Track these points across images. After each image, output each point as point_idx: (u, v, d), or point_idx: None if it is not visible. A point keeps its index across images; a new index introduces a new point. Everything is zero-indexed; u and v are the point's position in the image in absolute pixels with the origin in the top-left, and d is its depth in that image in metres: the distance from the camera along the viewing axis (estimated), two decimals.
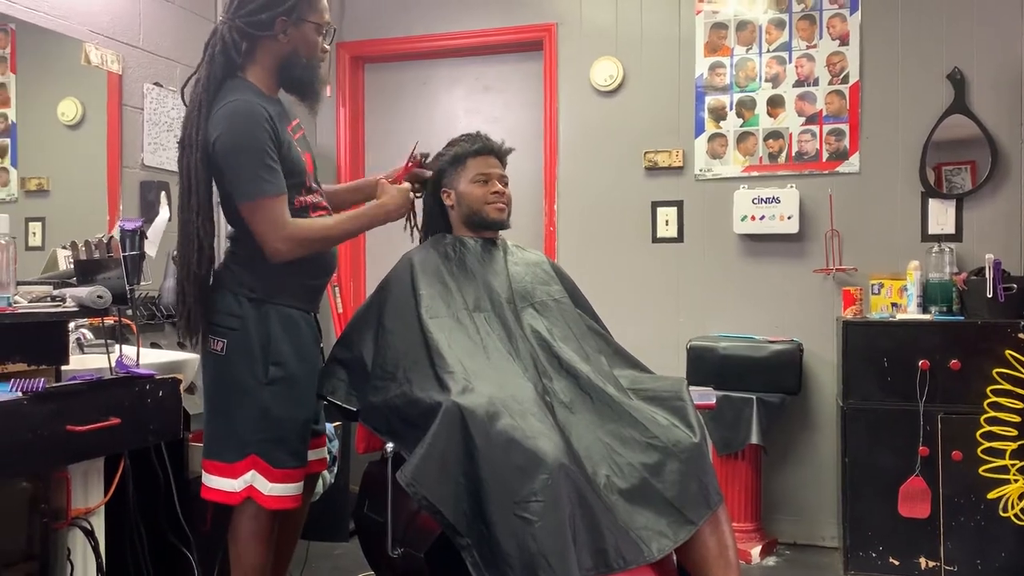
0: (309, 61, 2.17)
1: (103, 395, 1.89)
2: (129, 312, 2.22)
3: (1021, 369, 3.03)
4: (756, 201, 3.65)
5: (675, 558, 2.00)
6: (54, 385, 1.86)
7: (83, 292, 2.00)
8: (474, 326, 2.18)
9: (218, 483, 2.10)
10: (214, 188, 2.11)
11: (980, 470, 3.08)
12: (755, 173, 3.72)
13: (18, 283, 2.04)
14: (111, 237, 2.21)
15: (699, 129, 3.80)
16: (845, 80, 3.62)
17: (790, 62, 3.69)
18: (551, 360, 2.17)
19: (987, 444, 3.07)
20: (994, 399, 3.06)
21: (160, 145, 3.30)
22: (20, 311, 1.90)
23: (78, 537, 2.00)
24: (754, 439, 3.35)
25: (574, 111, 3.98)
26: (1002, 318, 3.11)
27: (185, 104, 2.11)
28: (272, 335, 2.10)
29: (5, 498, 1.88)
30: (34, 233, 2.83)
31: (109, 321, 2.25)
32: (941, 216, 3.52)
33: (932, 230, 3.53)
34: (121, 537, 2.25)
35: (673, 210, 3.84)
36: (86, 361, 2.34)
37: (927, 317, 3.27)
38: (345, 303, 4.12)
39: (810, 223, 3.65)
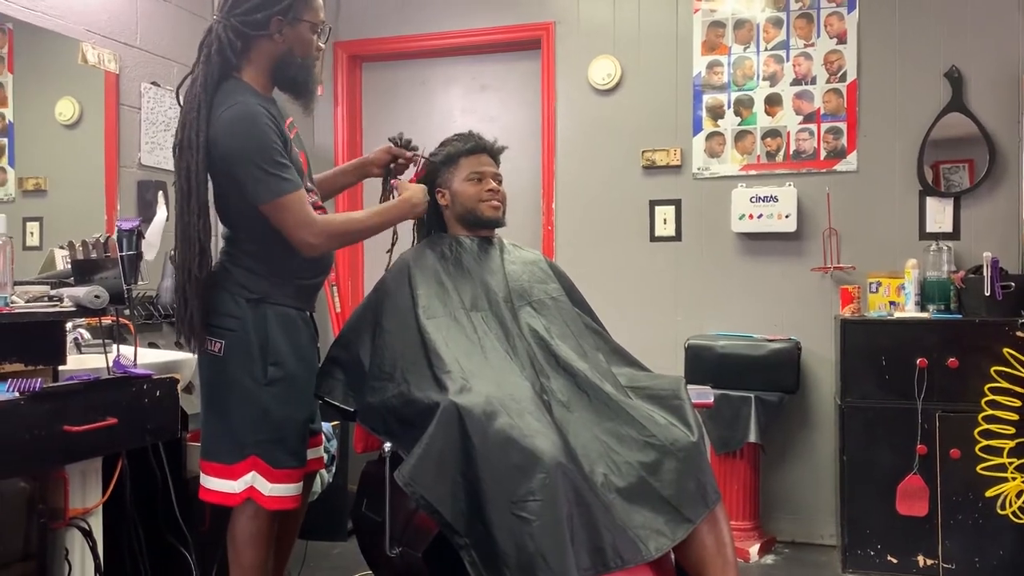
0: (304, 60, 2.17)
1: (100, 395, 1.89)
2: (127, 312, 2.22)
3: (1019, 367, 3.03)
4: (754, 200, 3.65)
5: (673, 557, 2.00)
6: (51, 385, 1.86)
7: (80, 292, 2.00)
8: (471, 325, 2.18)
9: (217, 484, 2.10)
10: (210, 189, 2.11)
11: (978, 468, 3.08)
12: (753, 172, 3.72)
13: (15, 283, 2.04)
14: (108, 237, 2.21)
15: (697, 128, 3.80)
16: (843, 79, 3.62)
17: (788, 60, 3.69)
18: (548, 358, 2.17)
19: (985, 442, 3.07)
20: (992, 397, 3.06)
21: (157, 144, 3.29)
22: (17, 311, 1.90)
23: (76, 537, 2.00)
24: (752, 438, 3.35)
25: (572, 110, 3.98)
26: (1000, 316, 3.11)
27: (180, 104, 2.10)
28: (270, 335, 2.10)
29: (3, 498, 1.88)
30: (31, 233, 2.83)
31: (107, 321, 2.25)
32: (939, 214, 3.52)
33: (930, 228, 3.53)
34: (119, 537, 2.26)
35: (671, 209, 3.84)
36: (84, 361, 2.34)
37: (925, 315, 3.27)
38: (343, 302, 4.11)
39: (808, 222, 3.65)
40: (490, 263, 2.34)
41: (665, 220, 3.85)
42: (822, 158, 3.65)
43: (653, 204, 3.86)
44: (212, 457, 2.11)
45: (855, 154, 3.61)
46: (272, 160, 2.01)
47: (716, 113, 3.77)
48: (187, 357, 2.56)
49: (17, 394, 1.72)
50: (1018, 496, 3.04)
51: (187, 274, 2.06)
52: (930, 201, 3.53)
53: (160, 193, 3.26)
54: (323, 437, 2.46)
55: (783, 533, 3.67)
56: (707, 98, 3.78)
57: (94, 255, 2.21)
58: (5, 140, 2.77)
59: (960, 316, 3.24)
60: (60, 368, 2.06)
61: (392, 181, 2.41)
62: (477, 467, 1.82)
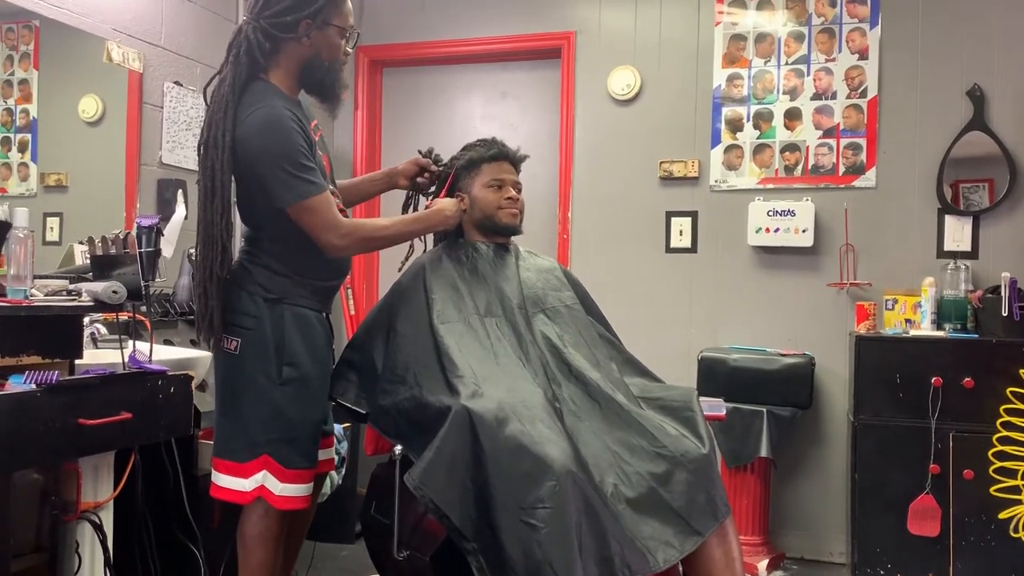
0: (331, 64, 2.18)
1: (115, 389, 1.90)
2: (143, 308, 2.23)
3: None
4: (771, 213, 3.64)
5: (681, 569, 1.99)
6: (67, 378, 1.87)
7: (99, 287, 2.02)
8: (485, 331, 2.18)
9: (228, 482, 2.10)
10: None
11: (991, 490, 3.05)
12: (771, 185, 3.71)
13: (35, 276, 2.06)
14: (128, 233, 2.22)
15: (715, 140, 3.79)
16: (863, 94, 3.61)
17: (808, 75, 3.68)
18: (561, 366, 2.16)
19: (999, 464, 3.05)
20: (1007, 418, 3.04)
21: (178, 143, 3.32)
22: (36, 304, 1.92)
23: (87, 530, 2.01)
24: (764, 452, 3.34)
25: (590, 119, 3.98)
26: (1017, 337, 3.09)
27: (207, 103, 2.12)
28: (287, 335, 2.11)
29: (16, 490, 1.89)
30: (52, 228, 2.85)
31: (123, 317, 2.26)
32: (957, 233, 3.50)
33: (948, 247, 3.51)
34: (129, 532, 2.27)
35: (687, 220, 3.83)
36: (99, 356, 2.35)
37: (941, 334, 3.25)
38: (358, 305, 4.13)
39: (825, 237, 3.64)
40: (505, 270, 2.34)
41: (681, 232, 3.84)
42: (841, 173, 3.64)
43: (669, 215, 3.86)
44: (224, 455, 2.12)
45: (874, 170, 3.60)
46: (298, 163, 2.02)
47: (735, 126, 3.76)
48: (201, 355, 2.57)
49: (34, 386, 1.74)
50: None
51: (208, 272, 2.07)
52: (949, 219, 3.51)
53: (179, 192, 3.29)
54: (334, 439, 2.47)
55: (792, 549, 3.65)
56: (726, 110, 3.78)
57: (113, 251, 2.22)
58: (29, 136, 2.80)
59: (977, 336, 3.22)
60: (76, 362, 2.07)
61: (430, 201, 2.42)
62: (487, 472, 1.82)
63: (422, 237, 2.45)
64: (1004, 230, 3.45)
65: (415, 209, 2.50)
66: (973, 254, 3.48)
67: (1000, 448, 3.04)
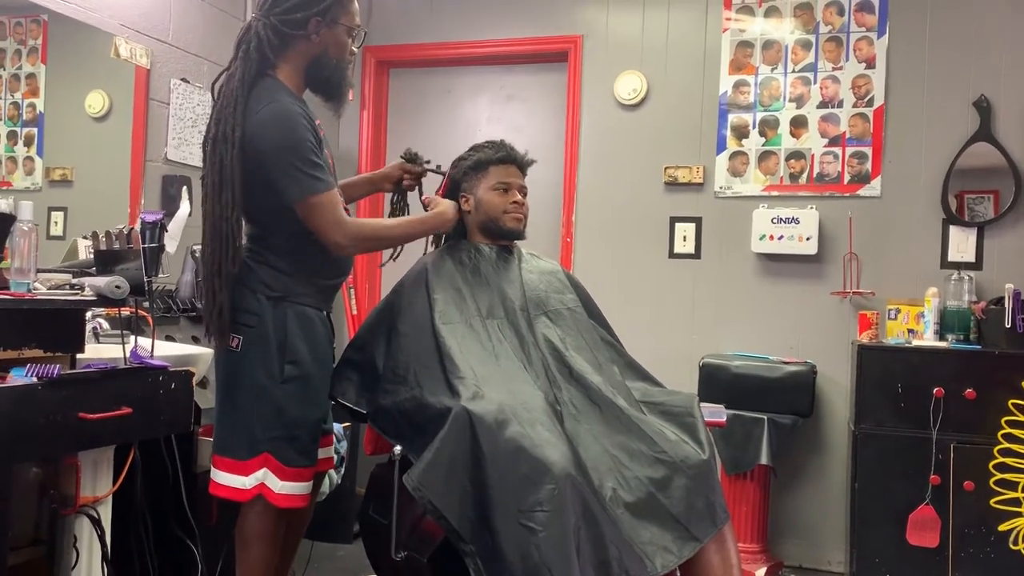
0: (338, 63, 2.19)
1: (116, 384, 1.90)
2: (146, 304, 2.23)
3: None
4: (775, 221, 3.64)
5: (679, 575, 1.99)
6: (68, 372, 1.88)
7: (101, 282, 2.02)
8: (486, 333, 2.18)
9: (228, 479, 2.10)
10: None
11: (992, 502, 3.04)
12: (775, 193, 3.71)
13: (38, 270, 2.06)
14: (131, 229, 2.23)
15: (721, 146, 3.79)
16: (870, 103, 3.61)
17: (815, 83, 3.68)
18: (562, 369, 2.16)
19: (1000, 475, 3.04)
20: (1008, 430, 3.03)
21: (184, 140, 3.33)
22: (39, 297, 1.92)
23: (85, 525, 2.01)
24: (764, 459, 3.33)
25: (596, 123, 3.98)
26: (1020, 349, 3.08)
27: (215, 99, 2.12)
28: (289, 333, 2.10)
29: (16, 483, 1.89)
30: (56, 223, 2.86)
31: (126, 312, 2.26)
32: (961, 244, 3.50)
33: (952, 257, 3.50)
34: (127, 527, 2.27)
35: (691, 226, 3.83)
36: (101, 351, 2.36)
37: (943, 344, 3.24)
38: (360, 305, 4.13)
39: (829, 245, 3.64)
40: (508, 272, 2.34)
41: (685, 237, 3.84)
42: (846, 182, 3.63)
43: (674, 221, 3.86)
44: (224, 452, 2.11)
45: (879, 179, 3.59)
46: (308, 159, 2.03)
47: (741, 132, 3.76)
48: (203, 351, 2.57)
49: (35, 379, 1.74)
50: None
51: (217, 268, 2.05)
52: (953, 230, 3.50)
53: (184, 188, 3.29)
54: (334, 438, 2.46)
55: (790, 557, 3.64)
56: (732, 117, 3.78)
57: (117, 246, 2.22)
58: (35, 130, 2.80)
59: (979, 347, 3.21)
60: (78, 356, 2.08)
61: (424, 197, 2.43)
62: (486, 475, 1.81)
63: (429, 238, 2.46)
64: (1008, 241, 3.44)
65: (404, 212, 2.52)
66: (977, 265, 3.47)
67: (1001, 460, 3.04)
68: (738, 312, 3.76)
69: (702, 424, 2.09)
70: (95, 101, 3.04)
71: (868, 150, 3.61)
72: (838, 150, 3.65)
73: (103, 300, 2.02)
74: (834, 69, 3.66)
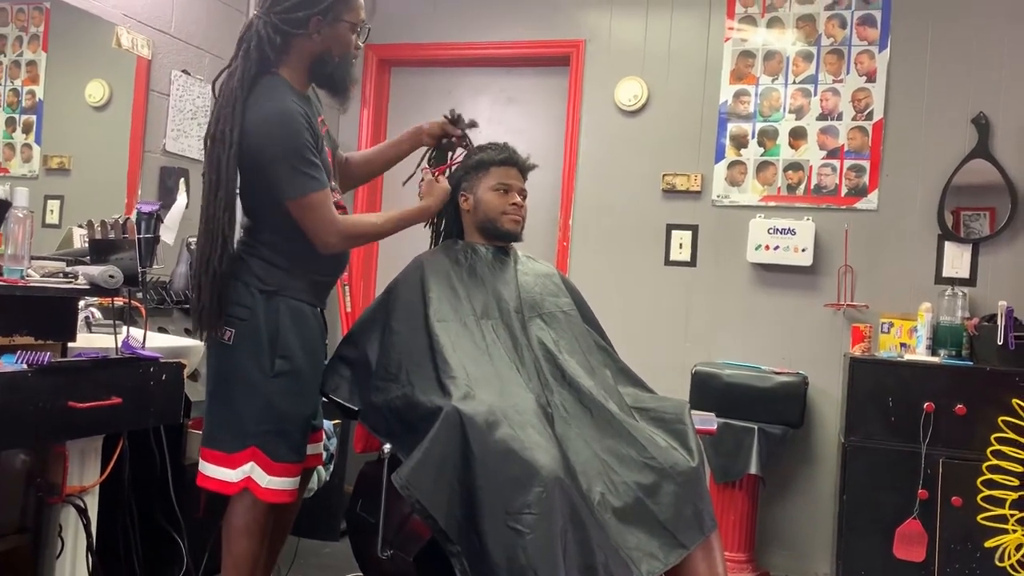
0: (341, 60, 2.19)
1: (107, 374, 1.90)
2: (139, 294, 2.23)
3: None
4: (772, 231, 3.65)
5: None
6: (59, 360, 1.87)
7: (95, 271, 2.01)
8: (480, 333, 2.18)
9: (216, 472, 2.09)
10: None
11: (979, 517, 3.05)
12: (772, 203, 3.72)
13: (32, 258, 2.05)
14: (127, 219, 2.22)
15: (719, 155, 3.80)
16: (869, 117, 3.62)
17: (815, 95, 3.69)
18: (555, 372, 2.16)
19: (988, 492, 3.04)
20: (997, 447, 3.04)
21: (183, 132, 3.32)
22: (32, 284, 1.92)
23: (71, 514, 2.01)
24: (753, 469, 3.33)
25: (596, 128, 3.99)
26: (1011, 366, 3.08)
27: (215, 96, 2.12)
28: (281, 328, 2.10)
29: (2, 470, 1.89)
30: (52, 211, 2.85)
31: (119, 302, 2.26)
32: (956, 260, 3.51)
33: (946, 273, 3.51)
34: (113, 518, 2.26)
35: (688, 234, 3.83)
36: (93, 340, 2.35)
37: (935, 360, 3.25)
38: (354, 302, 4.13)
39: (824, 257, 3.64)
40: (504, 273, 2.34)
41: (681, 245, 3.84)
42: (843, 195, 3.64)
43: (670, 228, 3.86)
44: (213, 444, 2.11)
45: (876, 193, 3.60)
46: (304, 158, 2.03)
47: (740, 142, 3.77)
48: (195, 344, 2.57)
49: (25, 366, 1.74)
50: (1017, 549, 3.00)
51: (206, 265, 2.06)
52: (948, 246, 3.51)
53: (182, 180, 3.29)
54: (324, 434, 2.46)
55: (777, 568, 3.64)
56: (732, 126, 3.78)
57: (112, 236, 2.22)
58: (34, 117, 2.80)
59: (971, 363, 3.21)
60: (69, 344, 2.07)
61: (422, 169, 2.42)
62: (475, 476, 1.81)
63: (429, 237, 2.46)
64: (1003, 259, 3.45)
65: (432, 163, 2.50)
66: (971, 281, 3.48)
67: (989, 476, 3.04)
68: (732, 321, 3.77)
69: (692, 431, 2.09)
70: (95, 90, 3.03)
71: (866, 163, 3.62)
72: (836, 162, 3.65)
73: (96, 289, 2.02)
74: (834, 81, 3.67)
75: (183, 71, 3.31)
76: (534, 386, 2.09)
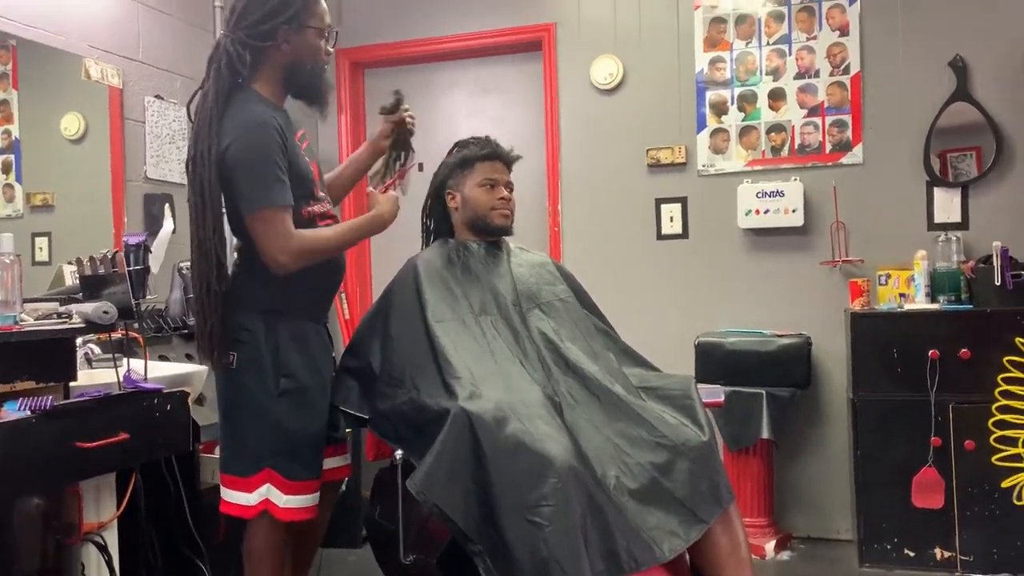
0: (314, 67, 2.18)
1: (111, 411, 1.89)
2: (136, 326, 2.22)
3: None
4: (760, 195, 3.64)
5: (688, 558, 2.00)
6: (62, 403, 1.87)
7: (89, 308, 2.01)
8: (480, 330, 2.18)
9: (234, 497, 2.10)
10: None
11: (993, 459, 3.06)
12: (758, 167, 3.71)
13: (24, 300, 2.05)
14: (116, 252, 2.22)
15: (701, 125, 3.78)
16: (846, 71, 3.60)
17: (790, 54, 3.67)
18: (558, 361, 2.16)
19: (1000, 432, 3.06)
20: (1005, 387, 3.05)
21: (162, 157, 3.30)
22: (27, 329, 1.91)
23: (92, 552, 2.01)
24: (764, 434, 3.34)
25: (575, 110, 3.97)
26: (1011, 305, 3.09)
27: (191, 119, 2.11)
28: (282, 347, 2.10)
29: (18, 515, 1.89)
30: (40, 248, 2.84)
31: (117, 335, 2.25)
32: (947, 204, 3.50)
33: (938, 219, 3.51)
34: (135, 550, 2.26)
35: (677, 206, 3.83)
36: (94, 376, 2.35)
37: (935, 307, 3.25)
38: (352, 309, 4.12)
39: (815, 216, 3.64)
40: (497, 267, 2.34)
41: (671, 218, 3.84)
42: (827, 151, 3.63)
43: (659, 202, 3.85)
44: (229, 470, 2.12)
45: (861, 146, 3.59)
46: (268, 171, 2.01)
47: (720, 109, 3.76)
48: (197, 369, 2.57)
49: (28, 412, 1.73)
50: None
51: (205, 288, 2.06)
52: (937, 192, 3.51)
53: (167, 205, 3.27)
54: (348, 446, 2.44)
55: (798, 529, 3.66)
56: (710, 94, 3.77)
57: (102, 270, 2.21)
58: (12, 156, 2.78)
59: (971, 307, 3.22)
60: (71, 384, 2.07)
61: (367, 190, 2.35)
62: (489, 473, 1.82)
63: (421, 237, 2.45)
64: (993, 200, 3.45)
65: (374, 179, 2.44)
66: (963, 225, 3.48)
67: (1000, 417, 3.05)
68: (729, 289, 3.76)
69: (700, 406, 2.10)
70: (70, 124, 3.01)
71: (848, 118, 3.61)
72: (818, 120, 3.64)
73: (92, 327, 2.02)
74: (808, 39, 3.65)
75: (156, 96, 3.29)
76: (539, 377, 2.09)
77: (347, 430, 2.93)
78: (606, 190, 3.92)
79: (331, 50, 2.23)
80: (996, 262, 3.11)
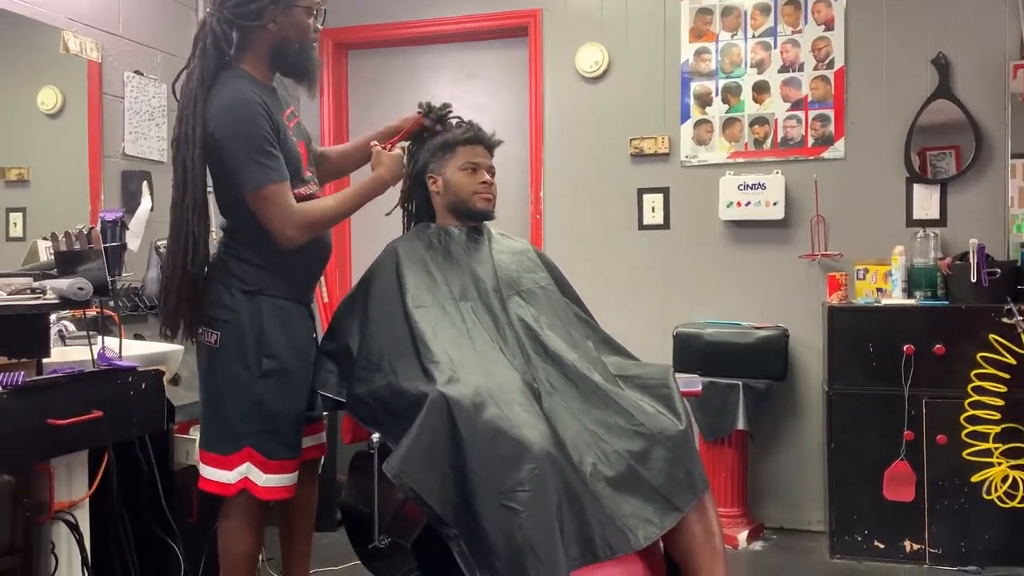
0: (301, 45, 2.16)
1: (84, 388, 1.87)
2: (111, 303, 2.20)
3: (1004, 353, 3.05)
4: (742, 187, 3.65)
5: (662, 545, 2.00)
6: (34, 379, 1.84)
7: (64, 284, 1.98)
8: (460, 315, 2.17)
9: (214, 474, 2.11)
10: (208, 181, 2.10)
11: (964, 453, 3.10)
12: (741, 159, 3.72)
13: None
14: (92, 228, 2.18)
15: (685, 115, 3.79)
16: (830, 65, 3.62)
17: (775, 47, 3.68)
18: (537, 348, 2.16)
19: (971, 428, 3.10)
20: (978, 383, 3.08)
21: (141, 134, 3.26)
22: None
23: (62, 530, 1.98)
24: (740, 425, 3.37)
25: (559, 98, 3.96)
26: (986, 303, 3.12)
27: (176, 99, 2.08)
28: (265, 327, 2.09)
29: None
30: (15, 224, 2.80)
31: (91, 313, 2.23)
32: (926, 201, 3.53)
33: (917, 215, 3.54)
34: (106, 530, 2.24)
35: (659, 197, 3.83)
36: (68, 353, 2.32)
37: (912, 302, 3.28)
38: (331, 292, 4.10)
39: (795, 209, 3.66)
40: (479, 253, 2.33)
41: (653, 208, 3.84)
42: (810, 145, 3.65)
43: (641, 192, 3.86)
44: (209, 447, 2.12)
45: (842, 141, 3.61)
46: (259, 148, 2.00)
47: (704, 100, 3.76)
48: (173, 348, 2.54)
49: (0, 388, 1.71)
50: (1003, 481, 3.06)
51: (174, 269, 2.05)
52: (917, 188, 3.54)
53: (144, 183, 3.23)
54: (323, 424, 2.44)
55: (771, 519, 3.69)
56: (695, 85, 3.77)
57: (77, 246, 2.18)
58: None
59: (947, 303, 3.25)
60: (44, 361, 2.03)
61: (371, 146, 2.33)
62: (466, 458, 1.81)
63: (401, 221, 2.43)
64: (971, 197, 3.48)
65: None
66: (942, 222, 3.51)
67: (972, 412, 3.09)
68: (709, 280, 3.78)
69: (678, 395, 2.10)
70: (47, 98, 2.97)
71: (831, 112, 3.62)
72: (801, 114, 3.66)
73: (66, 303, 1.99)
74: (794, 32, 3.66)
75: (136, 72, 3.25)
76: (518, 364, 2.08)
77: (324, 412, 2.93)
78: (589, 179, 3.92)
79: (319, 28, 2.21)
80: (973, 259, 3.15)
